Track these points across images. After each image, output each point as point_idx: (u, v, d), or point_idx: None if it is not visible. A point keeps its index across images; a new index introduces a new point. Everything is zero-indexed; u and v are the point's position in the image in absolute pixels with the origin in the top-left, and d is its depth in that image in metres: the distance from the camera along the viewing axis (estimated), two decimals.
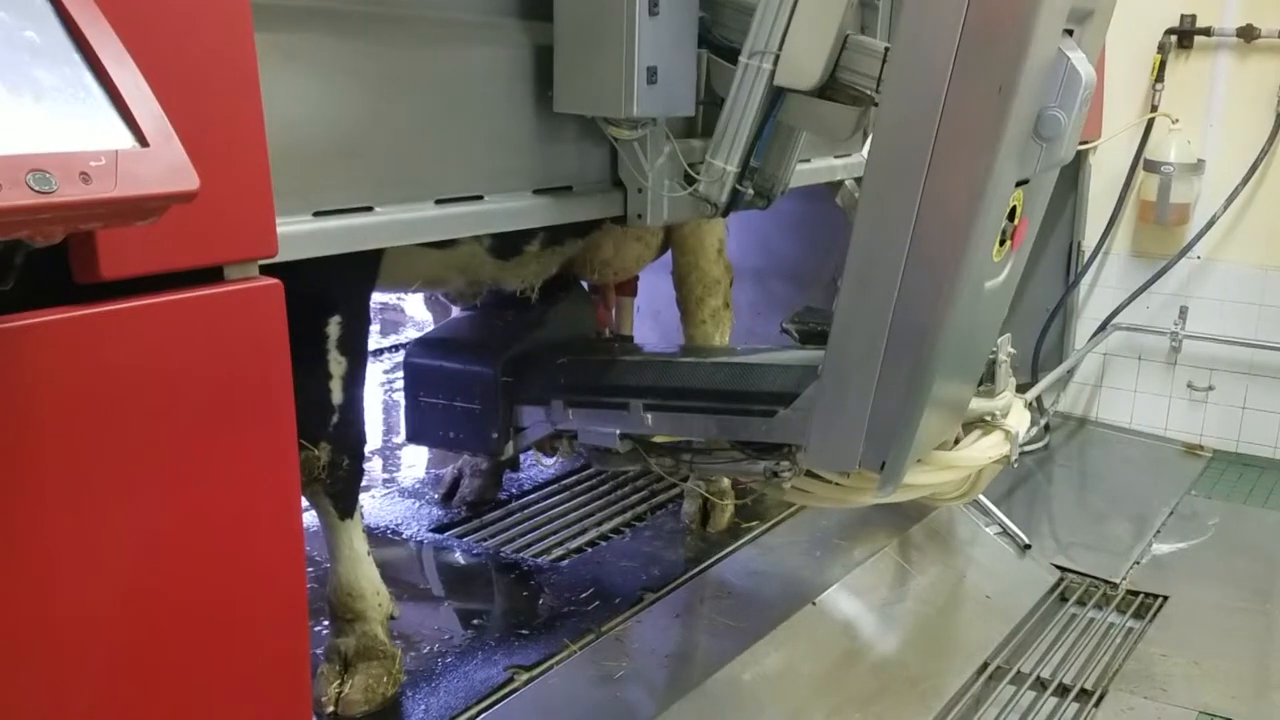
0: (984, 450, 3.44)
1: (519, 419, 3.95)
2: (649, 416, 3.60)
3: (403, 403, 4.27)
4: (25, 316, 1.79)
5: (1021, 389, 5.74)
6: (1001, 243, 2.94)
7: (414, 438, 4.28)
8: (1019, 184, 2.87)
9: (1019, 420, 3.54)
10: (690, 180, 3.42)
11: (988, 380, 3.48)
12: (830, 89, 3.24)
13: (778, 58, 3.15)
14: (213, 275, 2.11)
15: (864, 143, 3.75)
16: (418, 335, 4.38)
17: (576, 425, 3.81)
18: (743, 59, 3.21)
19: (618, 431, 3.69)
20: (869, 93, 3.16)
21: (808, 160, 4.10)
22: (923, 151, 2.67)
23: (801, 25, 3.10)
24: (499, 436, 3.93)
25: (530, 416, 3.92)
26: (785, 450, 3.40)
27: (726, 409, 3.47)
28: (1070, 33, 2.78)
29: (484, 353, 3.98)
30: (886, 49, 3.10)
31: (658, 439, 3.73)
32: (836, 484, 3.37)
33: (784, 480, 3.45)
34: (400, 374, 6.46)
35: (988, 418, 3.49)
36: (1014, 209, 2.93)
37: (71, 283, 1.90)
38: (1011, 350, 3.53)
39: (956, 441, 3.46)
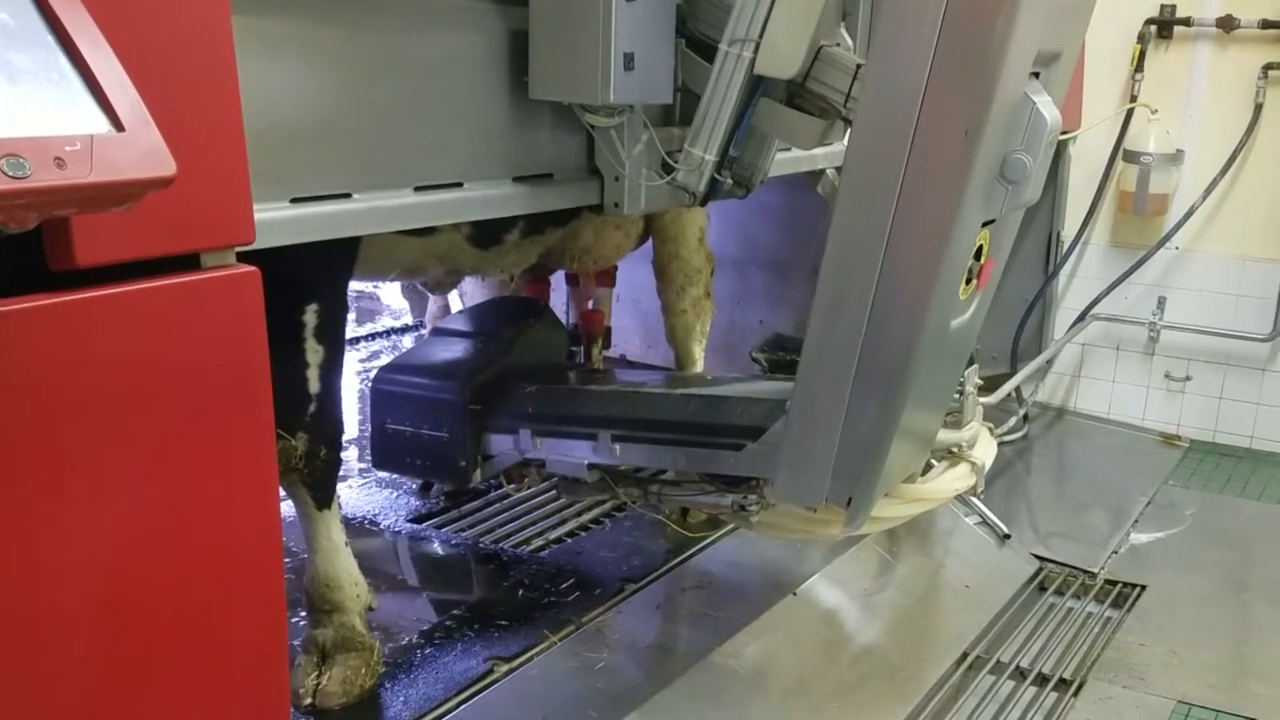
0: (950, 482, 3.47)
1: (487, 447, 3.93)
2: (617, 447, 3.59)
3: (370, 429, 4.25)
4: None
5: (1000, 379, 5.80)
6: (968, 281, 2.96)
7: (381, 464, 4.26)
8: (985, 224, 2.89)
9: (985, 451, 3.56)
10: (668, 169, 3.41)
11: (954, 411, 3.49)
12: (799, 98, 3.25)
13: (758, 46, 3.14)
14: (190, 262, 2.09)
15: (844, 131, 3.74)
16: (386, 362, 4.36)
17: (544, 454, 3.80)
18: (723, 47, 3.19)
19: (586, 461, 3.67)
20: (837, 106, 3.16)
21: (788, 149, 4.09)
22: (890, 192, 2.69)
23: (783, 13, 3.09)
24: (466, 465, 3.92)
25: (498, 444, 3.90)
26: (753, 484, 3.40)
27: (695, 441, 3.47)
28: (1037, 75, 2.80)
29: (451, 380, 3.96)
30: (859, 66, 3.10)
31: (626, 469, 3.72)
32: (805, 517, 3.37)
33: (751, 514, 3.46)
34: (376, 363, 6.48)
35: (954, 449, 3.51)
36: (980, 248, 2.96)
37: (45, 270, 1.88)
38: (979, 381, 3.56)
39: (925, 471, 3.47)
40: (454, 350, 4.19)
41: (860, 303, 2.80)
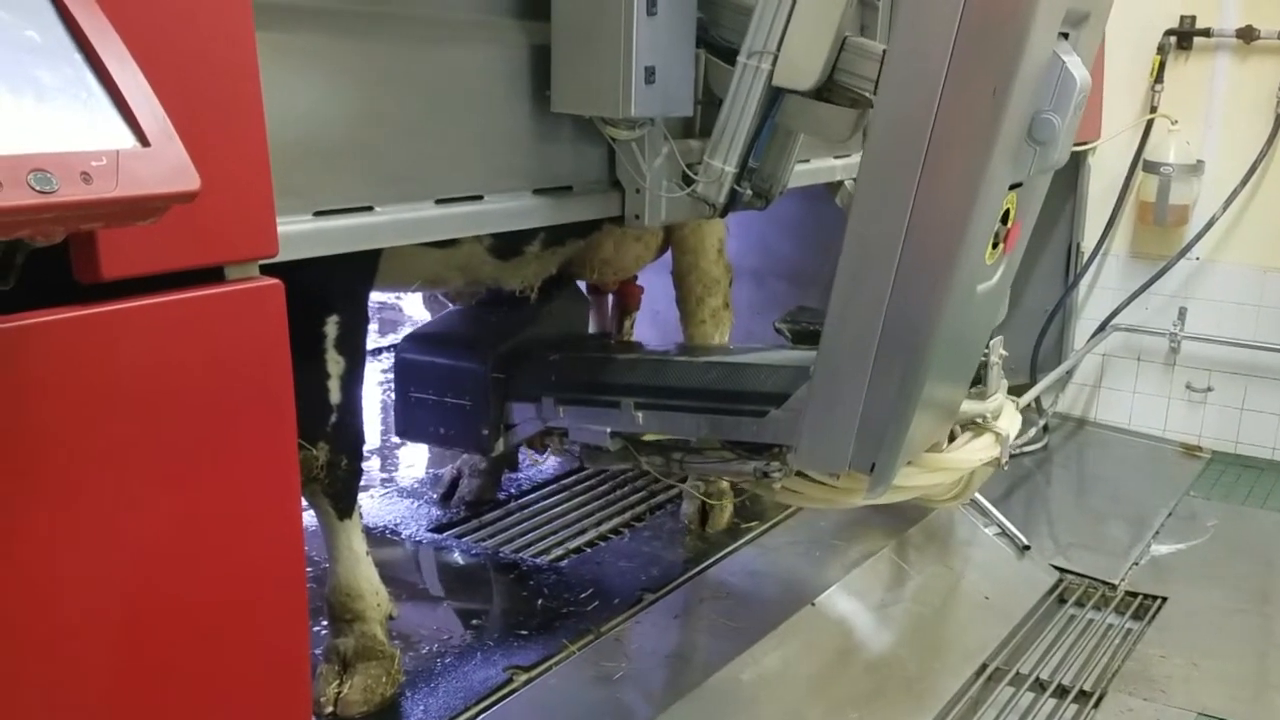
0: (974, 452, 3.44)
1: (510, 416, 3.93)
2: (640, 415, 3.59)
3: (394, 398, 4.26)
4: (26, 316, 1.79)
5: (1020, 389, 5.79)
6: (994, 245, 2.94)
7: (404, 433, 4.27)
8: (1012, 187, 2.87)
9: (1010, 423, 3.55)
10: (688, 180, 3.41)
11: (979, 382, 3.48)
12: (828, 91, 3.23)
13: (776, 58, 3.14)
14: (213, 275, 2.11)
15: (863, 143, 3.74)
16: (409, 330, 4.37)
17: (567, 423, 3.80)
18: (741, 59, 3.20)
19: (609, 430, 3.68)
20: (867, 95, 3.15)
21: (806, 161, 4.09)
22: (917, 154, 2.66)
23: (800, 25, 3.09)
24: (489, 433, 3.92)
25: (521, 413, 3.90)
26: (776, 450, 3.40)
27: (718, 408, 3.47)
28: (1065, 36, 2.78)
29: (475, 349, 3.97)
30: (885, 51, 3.10)
31: (649, 437, 3.72)
32: (827, 485, 3.37)
33: (774, 481, 3.45)
34: None
35: (979, 420, 3.49)
36: (1007, 212, 2.93)
37: (72, 282, 1.90)
38: (1004, 352, 3.53)
39: (950, 441, 3.46)
40: (477, 319, 4.19)
41: (885, 266, 2.78)
